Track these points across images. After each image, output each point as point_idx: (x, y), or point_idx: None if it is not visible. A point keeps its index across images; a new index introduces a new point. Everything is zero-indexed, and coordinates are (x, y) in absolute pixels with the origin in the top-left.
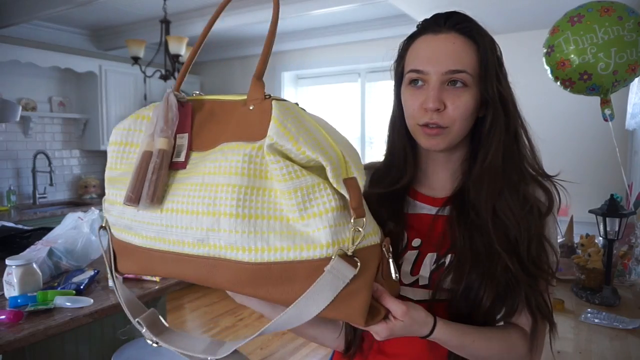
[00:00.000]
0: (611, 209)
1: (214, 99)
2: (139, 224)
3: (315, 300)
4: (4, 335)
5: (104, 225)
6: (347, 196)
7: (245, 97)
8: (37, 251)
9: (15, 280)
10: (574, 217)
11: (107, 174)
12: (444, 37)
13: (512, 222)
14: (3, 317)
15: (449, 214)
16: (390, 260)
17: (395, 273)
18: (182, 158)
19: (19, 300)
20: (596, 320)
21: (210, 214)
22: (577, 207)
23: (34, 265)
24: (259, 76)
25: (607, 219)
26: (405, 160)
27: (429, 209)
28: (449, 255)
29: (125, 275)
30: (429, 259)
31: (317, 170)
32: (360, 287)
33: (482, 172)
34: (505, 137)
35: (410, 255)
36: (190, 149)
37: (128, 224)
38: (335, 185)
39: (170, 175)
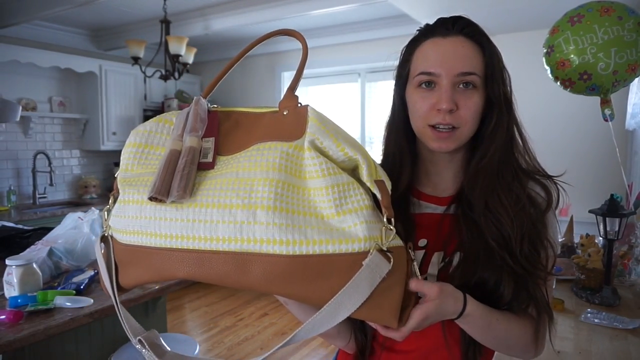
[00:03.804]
0: (611, 209)
1: (240, 110)
2: (160, 222)
3: (352, 295)
4: (4, 335)
5: (105, 234)
6: (378, 196)
7: (269, 109)
8: (37, 251)
9: (15, 280)
10: (574, 217)
11: (122, 175)
12: (453, 40)
13: (505, 219)
14: (3, 317)
15: (454, 212)
16: (415, 263)
17: (419, 275)
18: (209, 159)
19: (19, 300)
20: (596, 320)
21: (245, 207)
22: (577, 207)
23: (34, 265)
24: (294, 89)
25: (607, 219)
26: (404, 161)
27: (433, 208)
28: (457, 254)
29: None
30: (436, 257)
31: (347, 171)
32: (393, 284)
33: (478, 169)
34: (505, 137)
35: (417, 255)
36: (216, 152)
37: (145, 224)
38: (368, 184)
39: (199, 175)
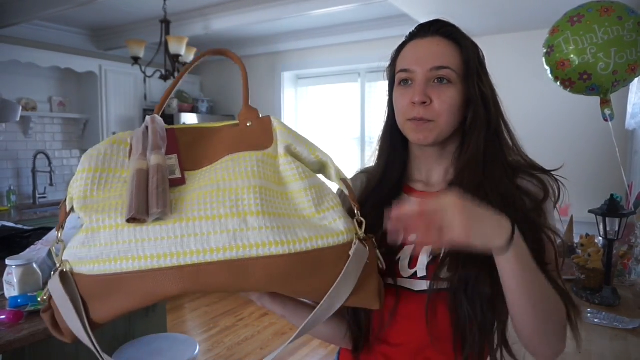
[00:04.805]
0: (611, 209)
1: (195, 126)
2: (143, 243)
3: (345, 284)
4: (4, 335)
5: (64, 270)
6: (346, 192)
7: (226, 123)
8: (37, 251)
9: (15, 280)
10: (574, 217)
11: (81, 202)
12: (429, 40)
13: None
14: (3, 317)
15: None
16: (378, 251)
17: (382, 263)
18: (178, 175)
19: (19, 300)
20: (596, 320)
21: (235, 215)
22: (577, 207)
23: (34, 265)
24: (248, 101)
25: (607, 219)
26: (395, 159)
27: None
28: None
29: None
30: (425, 251)
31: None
32: (371, 271)
33: (463, 164)
34: (486, 134)
35: (408, 249)
36: (182, 168)
37: (124, 249)
38: (336, 182)
39: (172, 192)
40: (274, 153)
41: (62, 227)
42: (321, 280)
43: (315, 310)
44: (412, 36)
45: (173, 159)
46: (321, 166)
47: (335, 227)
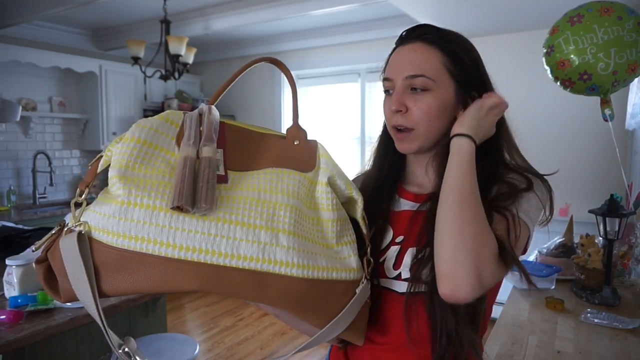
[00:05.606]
0: (611, 209)
1: (242, 125)
2: (176, 232)
3: (346, 318)
4: (4, 335)
5: (83, 232)
6: (364, 230)
7: (272, 132)
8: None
9: (15, 280)
10: (574, 217)
11: (122, 172)
12: (409, 47)
13: None
14: (3, 317)
15: (427, 209)
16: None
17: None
18: (221, 172)
19: (19, 300)
20: (596, 320)
21: (269, 229)
22: (577, 207)
23: (34, 265)
24: (298, 119)
25: (607, 219)
26: (389, 162)
27: (411, 206)
28: (427, 249)
29: None
30: (410, 253)
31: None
32: (364, 310)
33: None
34: None
35: (393, 250)
36: (226, 166)
37: (156, 232)
38: (360, 221)
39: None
40: (313, 178)
41: (88, 186)
42: (325, 308)
43: (315, 336)
44: (398, 42)
45: (219, 154)
46: (349, 201)
47: (348, 263)
